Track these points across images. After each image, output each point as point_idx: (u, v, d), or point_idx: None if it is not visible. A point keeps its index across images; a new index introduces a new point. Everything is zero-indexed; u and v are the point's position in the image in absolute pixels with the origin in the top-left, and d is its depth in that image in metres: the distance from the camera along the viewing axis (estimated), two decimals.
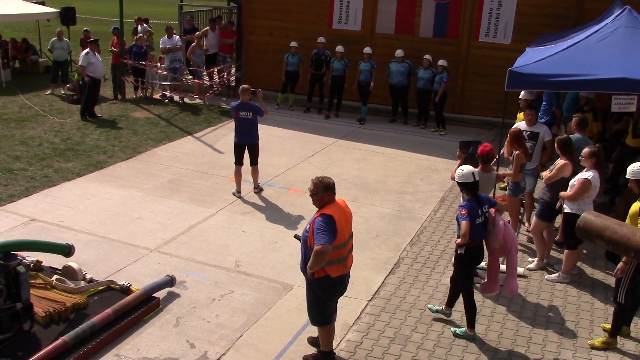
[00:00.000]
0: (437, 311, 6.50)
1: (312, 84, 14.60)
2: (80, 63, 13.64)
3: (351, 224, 5.49)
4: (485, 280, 6.36)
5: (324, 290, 5.35)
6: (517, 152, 7.81)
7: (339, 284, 5.42)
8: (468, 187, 5.98)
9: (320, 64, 14.36)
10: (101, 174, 10.30)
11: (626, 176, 6.35)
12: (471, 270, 6.13)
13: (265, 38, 15.98)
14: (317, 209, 5.30)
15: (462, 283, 6.11)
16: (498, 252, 6.12)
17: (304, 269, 5.34)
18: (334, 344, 5.83)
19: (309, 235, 5.17)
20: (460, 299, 6.20)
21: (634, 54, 8.47)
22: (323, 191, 5.25)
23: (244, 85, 9.60)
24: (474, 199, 5.93)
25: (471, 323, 6.15)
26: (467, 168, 6.04)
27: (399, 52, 13.54)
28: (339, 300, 5.76)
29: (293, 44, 14.50)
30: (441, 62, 13.06)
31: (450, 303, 6.44)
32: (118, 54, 15.36)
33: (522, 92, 9.68)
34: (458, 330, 6.25)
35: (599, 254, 7.76)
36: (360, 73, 13.86)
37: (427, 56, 13.31)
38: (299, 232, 8.29)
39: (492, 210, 6.03)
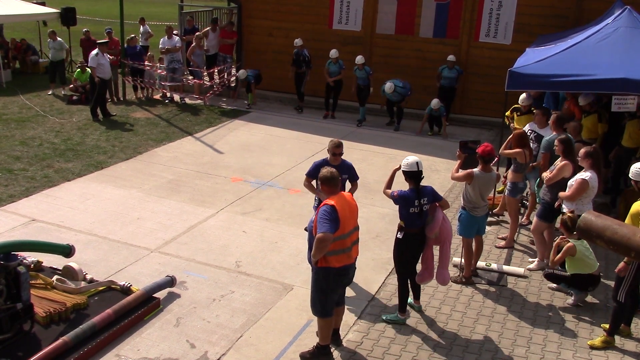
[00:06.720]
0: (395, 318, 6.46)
1: (296, 82, 14.75)
2: (89, 64, 13.63)
3: (356, 217, 5.59)
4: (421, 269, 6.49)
5: (327, 280, 5.43)
6: (517, 149, 7.84)
7: (343, 275, 5.51)
8: (411, 176, 6.15)
9: (300, 63, 14.52)
10: (101, 174, 10.31)
11: (629, 176, 6.35)
12: (408, 255, 6.28)
13: (265, 38, 15.99)
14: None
15: (398, 266, 6.33)
16: (433, 242, 6.33)
17: (309, 258, 5.46)
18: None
19: (313, 226, 5.29)
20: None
21: (634, 54, 8.48)
22: (321, 183, 5.49)
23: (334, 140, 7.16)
24: (414, 190, 6.11)
25: (402, 307, 6.35)
26: (412, 158, 6.20)
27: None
28: None
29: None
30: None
31: (416, 296, 6.63)
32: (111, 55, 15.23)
33: (521, 97, 9.67)
34: (389, 317, 6.39)
35: (599, 255, 7.75)
36: (357, 78, 13.82)
37: (451, 57, 13.39)
38: (300, 232, 8.31)
39: (437, 203, 6.23)
